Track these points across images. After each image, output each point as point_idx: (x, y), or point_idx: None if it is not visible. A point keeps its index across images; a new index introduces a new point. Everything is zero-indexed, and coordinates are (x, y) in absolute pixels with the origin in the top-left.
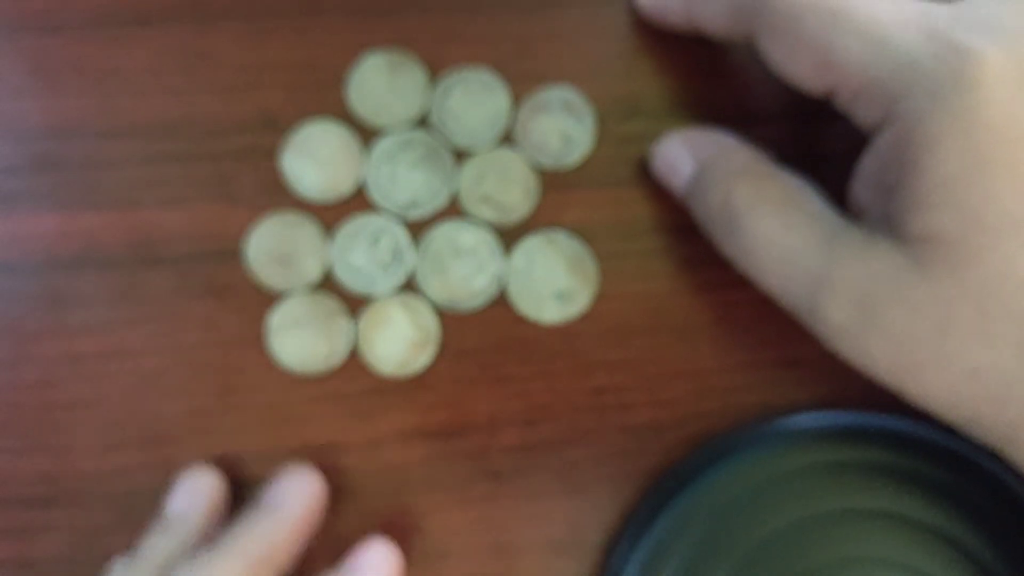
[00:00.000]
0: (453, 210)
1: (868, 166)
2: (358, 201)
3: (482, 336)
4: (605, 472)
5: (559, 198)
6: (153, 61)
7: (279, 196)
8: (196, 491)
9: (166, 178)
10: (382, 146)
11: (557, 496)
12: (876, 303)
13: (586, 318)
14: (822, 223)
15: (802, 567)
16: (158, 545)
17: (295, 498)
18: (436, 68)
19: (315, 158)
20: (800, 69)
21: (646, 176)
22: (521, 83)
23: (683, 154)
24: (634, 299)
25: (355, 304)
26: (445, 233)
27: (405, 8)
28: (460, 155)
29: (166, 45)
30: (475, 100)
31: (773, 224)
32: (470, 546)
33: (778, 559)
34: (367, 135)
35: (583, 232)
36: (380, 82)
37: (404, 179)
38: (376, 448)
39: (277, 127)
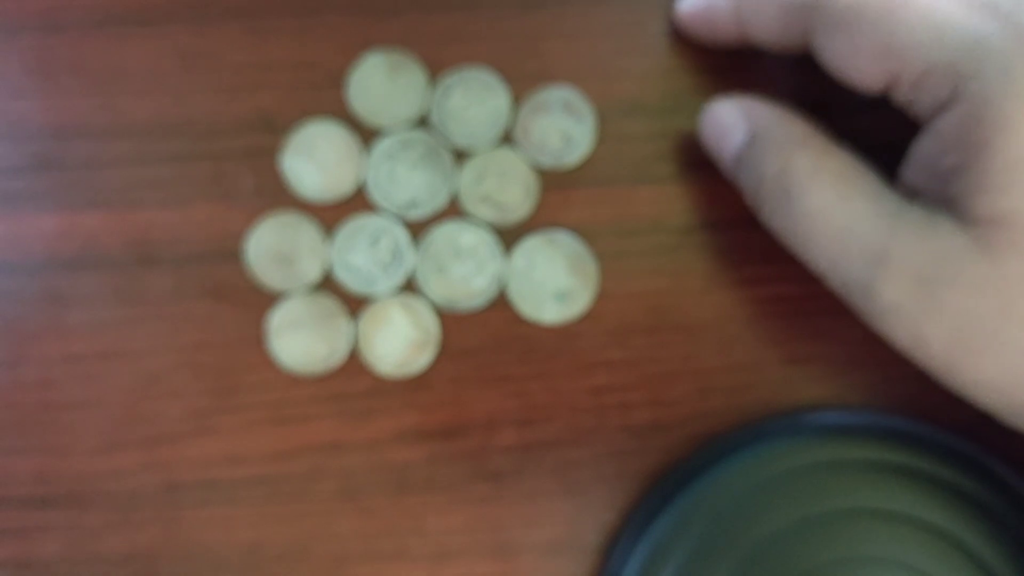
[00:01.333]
0: (453, 210)
1: (925, 149)
2: (358, 201)
3: (482, 336)
4: (605, 472)
5: (559, 198)
6: (153, 61)
7: (279, 196)
8: None
9: (166, 178)
10: (382, 146)
11: (557, 496)
12: (936, 282)
13: (586, 318)
14: (882, 199)
15: (803, 567)
16: None
17: None
18: (436, 68)
19: (315, 158)
20: (860, 61)
21: (646, 176)
22: (521, 83)
23: (737, 120)
24: (634, 299)
25: (355, 304)
26: (445, 233)
27: (405, 8)
28: (460, 155)
29: (166, 45)
30: (475, 100)
31: (831, 196)
32: (469, 546)
33: (779, 559)
34: (367, 135)
35: (583, 232)
36: (380, 82)
37: (404, 179)
38: (376, 448)
39: (277, 127)
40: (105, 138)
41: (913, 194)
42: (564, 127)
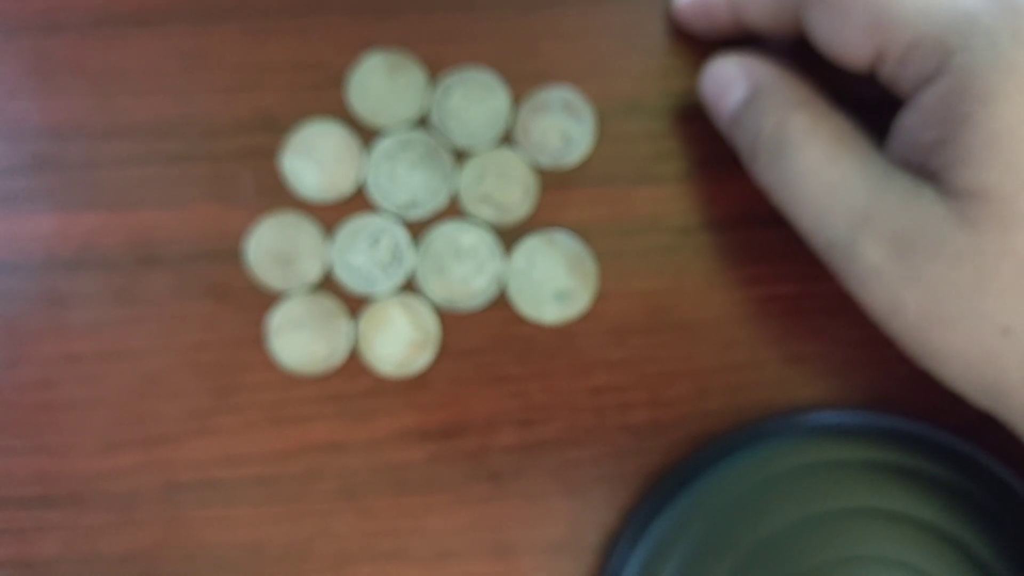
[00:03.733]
0: (453, 210)
1: (908, 123)
2: (358, 201)
3: (482, 336)
4: (604, 472)
5: (559, 197)
6: (153, 61)
7: (279, 196)
8: None
9: (166, 178)
10: (382, 146)
11: (556, 496)
12: (916, 249)
13: (586, 318)
14: (871, 163)
15: (803, 567)
16: None
17: None
18: (436, 68)
19: (315, 158)
20: (849, 35)
21: (645, 176)
22: (521, 83)
23: (739, 76)
24: (634, 298)
25: (355, 304)
26: (445, 233)
27: (405, 8)
28: (460, 155)
29: (166, 45)
30: (475, 100)
31: (823, 156)
32: (469, 546)
33: (779, 559)
34: (367, 135)
35: (582, 232)
36: (380, 82)
37: (404, 179)
38: (375, 448)
39: (277, 127)
40: (105, 138)
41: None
42: (564, 127)
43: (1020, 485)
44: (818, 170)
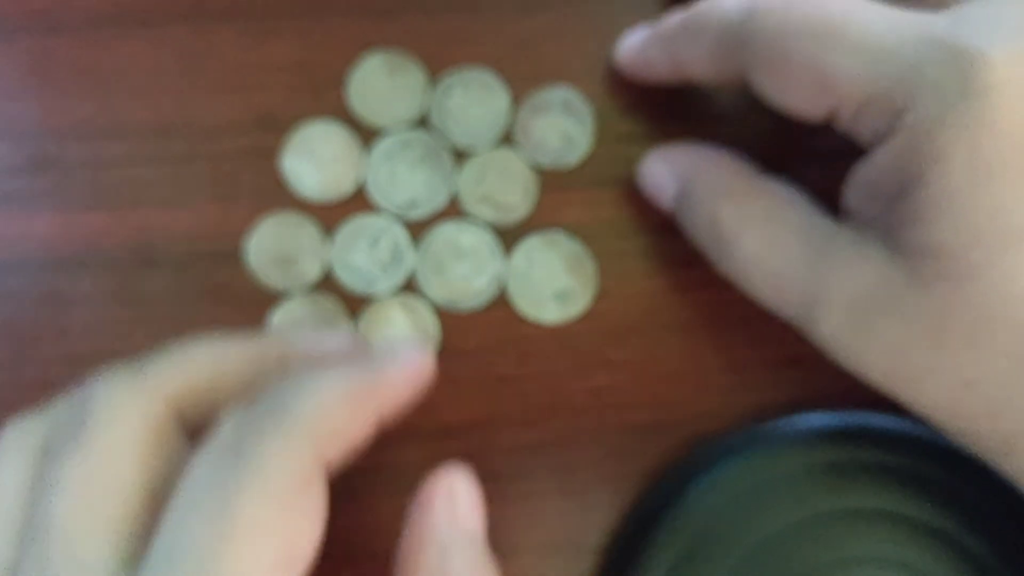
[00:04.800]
0: (453, 210)
1: (865, 176)
2: (358, 201)
3: (482, 336)
4: (604, 472)
5: (559, 198)
6: (153, 61)
7: (279, 196)
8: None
9: (166, 178)
10: (382, 146)
11: (556, 497)
12: (870, 313)
13: (586, 318)
14: (810, 235)
15: (802, 567)
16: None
17: (414, 362)
18: (436, 68)
19: (315, 158)
20: (797, 95)
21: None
22: (521, 83)
23: (665, 174)
24: (634, 299)
25: (355, 304)
26: (445, 233)
27: (405, 8)
28: (460, 155)
29: (166, 45)
30: (475, 100)
31: (760, 243)
32: None
33: (778, 559)
34: (367, 135)
35: (582, 232)
36: (380, 83)
37: (404, 179)
38: (375, 448)
39: (277, 127)
40: (104, 138)
41: (852, 215)
42: (564, 127)
43: (1014, 485)
44: (760, 257)
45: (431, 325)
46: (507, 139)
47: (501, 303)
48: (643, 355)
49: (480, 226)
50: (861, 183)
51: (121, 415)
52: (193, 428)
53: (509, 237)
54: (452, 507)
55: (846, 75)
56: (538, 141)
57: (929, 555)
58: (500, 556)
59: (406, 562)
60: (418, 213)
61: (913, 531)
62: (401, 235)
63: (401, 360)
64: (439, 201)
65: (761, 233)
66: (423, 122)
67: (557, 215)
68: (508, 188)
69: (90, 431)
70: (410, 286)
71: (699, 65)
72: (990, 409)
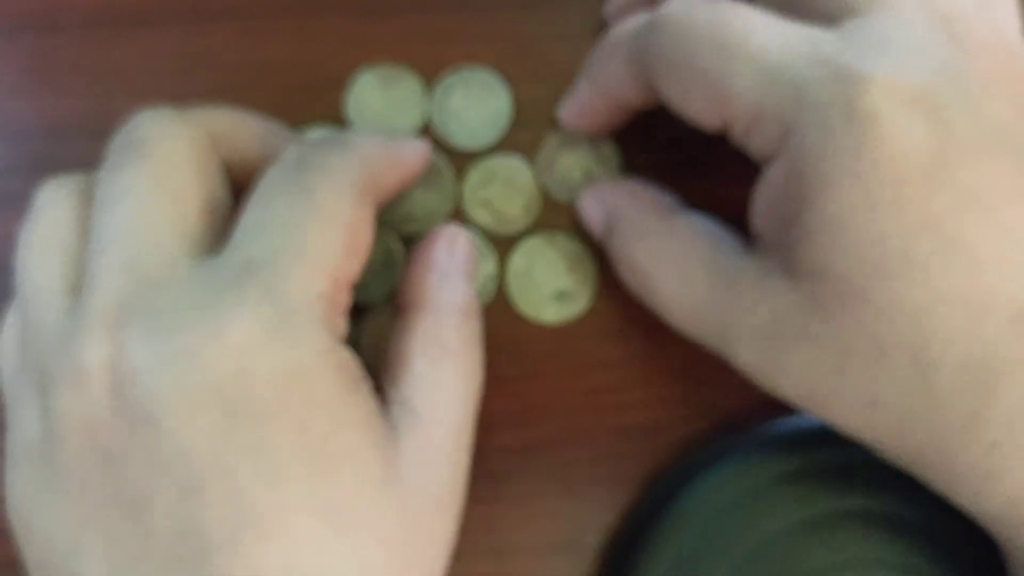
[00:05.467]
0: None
1: (763, 196)
2: None
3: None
4: (602, 473)
5: (559, 204)
6: (152, 61)
7: None
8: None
9: None
10: None
11: (554, 497)
12: (777, 340)
13: (586, 318)
14: (719, 270)
15: (801, 568)
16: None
17: (404, 142)
18: (435, 69)
19: None
20: (695, 105)
21: (645, 176)
22: (521, 83)
23: (595, 211)
24: (634, 299)
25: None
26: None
27: (404, 8)
28: (464, 157)
29: (165, 45)
30: (475, 100)
31: (674, 282)
32: (465, 547)
33: (777, 560)
34: None
35: (582, 232)
36: (376, 98)
37: (402, 196)
38: None
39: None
40: (103, 138)
41: (759, 238)
42: (588, 166)
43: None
44: (675, 295)
45: None
46: (508, 143)
47: (501, 303)
48: (642, 354)
49: (471, 230)
50: (759, 202)
51: (173, 133)
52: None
53: (509, 238)
54: (451, 246)
55: (739, 89)
56: (560, 176)
57: (929, 556)
58: (499, 556)
59: (410, 285)
60: (414, 227)
61: (913, 532)
62: (393, 240)
63: (412, 143)
64: (438, 218)
65: (674, 273)
66: (424, 130)
67: (557, 215)
68: (510, 199)
69: (146, 146)
70: None
71: (625, 89)
72: (896, 426)
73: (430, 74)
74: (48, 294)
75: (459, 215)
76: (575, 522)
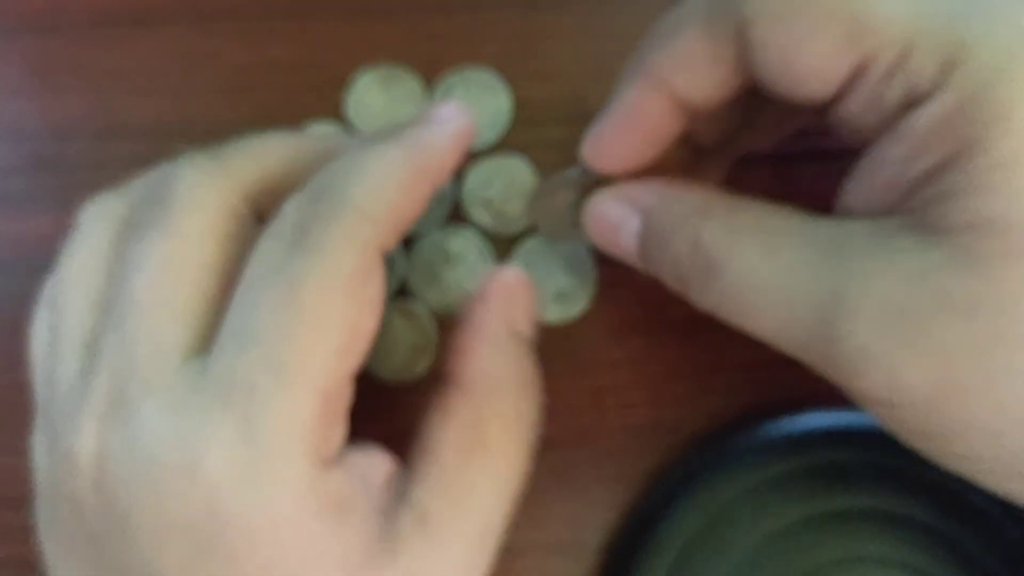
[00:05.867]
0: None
1: (887, 156)
2: None
3: None
4: (604, 472)
5: None
6: (153, 61)
7: None
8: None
9: None
10: None
11: (557, 496)
12: (911, 312)
13: (586, 318)
14: (815, 237)
15: (802, 567)
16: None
17: (455, 119)
18: (435, 69)
19: None
20: (818, 47)
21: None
22: (521, 83)
23: (623, 209)
24: (634, 299)
25: None
26: (433, 241)
27: (405, 8)
28: (464, 156)
29: (166, 45)
30: (475, 100)
31: (757, 255)
32: None
33: (778, 559)
34: None
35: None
36: (376, 97)
37: None
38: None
39: (277, 128)
40: (104, 138)
41: (855, 215)
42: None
43: None
44: (758, 272)
45: (430, 329)
46: (509, 144)
47: None
48: (643, 354)
49: (467, 231)
50: (877, 168)
51: (203, 201)
52: (265, 216)
53: (509, 238)
54: (510, 301)
55: (885, 17)
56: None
57: (929, 555)
58: (501, 555)
59: (452, 352)
60: (412, 227)
61: (913, 532)
62: None
63: (444, 123)
64: (435, 219)
65: (755, 245)
66: None
67: None
68: (511, 198)
69: (173, 214)
70: (404, 293)
71: (697, 71)
72: None
73: (430, 74)
74: (70, 344)
75: (459, 215)
76: (576, 521)
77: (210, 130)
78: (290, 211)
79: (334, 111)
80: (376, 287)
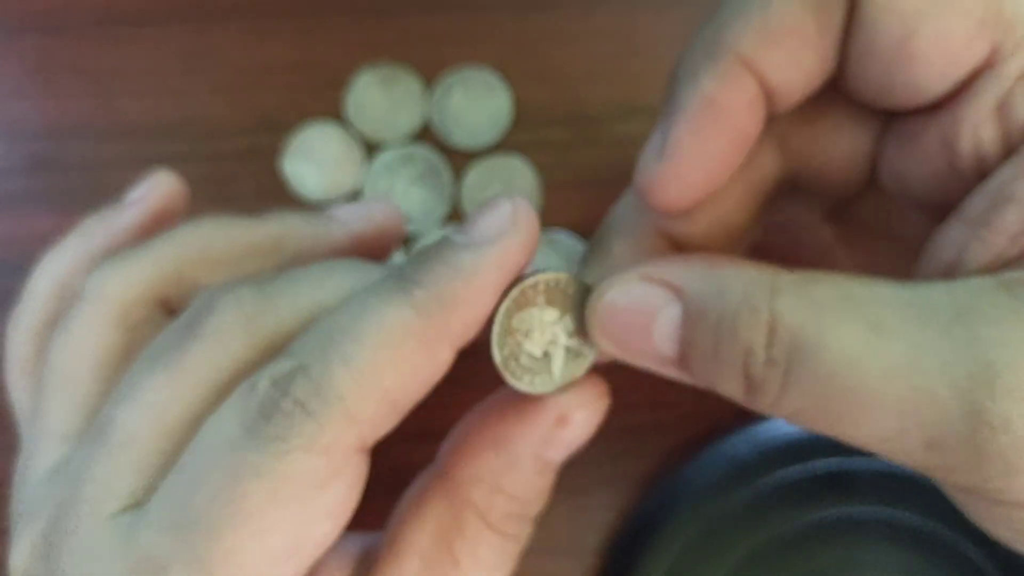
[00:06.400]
0: (451, 215)
1: (1018, 191)
2: None
3: (481, 338)
4: (604, 473)
5: (559, 198)
6: (153, 62)
7: (279, 197)
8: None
9: None
10: (383, 159)
11: (556, 498)
12: None
13: None
14: (933, 304)
15: (801, 570)
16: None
17: (504, 233)
18: (436, 68)
19: (315, 160)
20: (951, 26)
21: None
22: (521, 83)
23: (655, 294)
24: None
25: None
26: (434, 237)
27: (405, 8)
28: (464, 157)
29: (166, 46)
30: (475, 100)
31: (862, 332)
32: None
33: (777, 562)
34: (370, 147)
35: (582, 231)
36: (376, 97)
37: (402, 194)
38: (376, 450)
39: (277, 128)
40: (104, 138)
41: (952, 266)
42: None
43: None
44: (868, 356)
45: None
46: (509, 143)
47: None
48: None
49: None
50: (1005, 210)
51: (106, 296)
52: (180, 303)
53: None
54: (552, 435)
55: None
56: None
57: (928, 562)
58: None
59: (453, 446)
60: (412, 228)
61: (912, 539)
62: None
63: (488, 249)
64: (434, 218)
65: (856, 321)
66: (424, 128)
67: (557, 215)
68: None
69: (75, 309)
70: None
71: (792, 49)
72: None
73: (430, 74)
74: (48, 439)
75: (458, 215)
76: (576, 522)
77: (210, 130)
78: (263, 384)
79: (334, 111)
80: (341, 491)
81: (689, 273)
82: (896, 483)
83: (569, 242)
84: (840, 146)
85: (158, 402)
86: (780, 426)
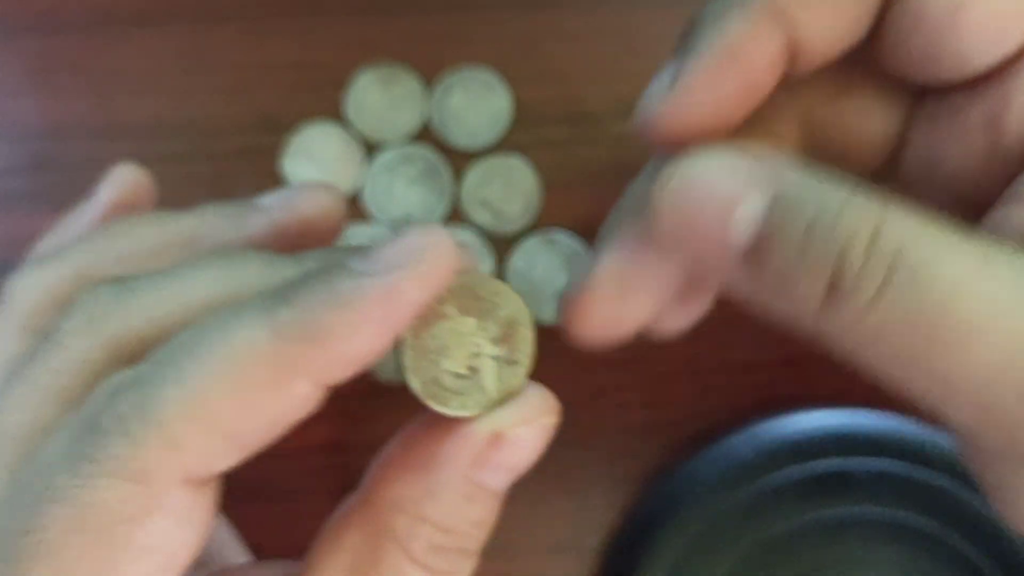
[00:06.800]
0: (451, 214)
1: None
2: (352, 210)
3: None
4: (605, 473)
5: (559, 198)
6: (152, 61)
7: None
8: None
9: (166, 178)
10: (383, 159)
11: (556, 497)
12: None
13: None
14: None
15: (801, 569)
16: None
17: (402, 266)
18: (435, 69)
19: (315, 160)
20: (989, 24)
21: None
22: (521, 83)
23: (733, 183)
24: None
25: None
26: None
27: (405, 8)
28: (464, 156)
29: (166, 45)
30: (475, 100)
31: (972, 259)
32: None
33: (777, 561)
34: (369, 147)
35: (583, 231)
36: (376, 97)
37: (401, 194)
38: (376, 449)
39: (277, 128)
40: (104, 138)
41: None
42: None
43: None
44: (981, 283)
45: None
46: (509, 143)
47: None
48: (643, 355)
49: (467, 229)
50: None
51: (13, 301)
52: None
53: (508, 238)
54: (486, 456)
55: None
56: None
57: (928, 562)
58: (501, 556)
59: (374, 472)
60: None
61: (913, 539)
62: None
63: (383, 267)
64: (434, 218)
65: (969, 252)
66: (424, 128)
67: (557, 215)
68: (511, 197)
69: None
70: None
71: (831, 4)
72: None
73: (430, 74)
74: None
75: (458, 214)
76: (576, 522)
77: (210, 130)
78: (98, 394)
79: (334, 111)
80: (164, 528)
81: (789, 163)
82: (896, 483)
83: (569, 242)
84: (867, 125)
85: (10, 419)
86: (780, 426)
